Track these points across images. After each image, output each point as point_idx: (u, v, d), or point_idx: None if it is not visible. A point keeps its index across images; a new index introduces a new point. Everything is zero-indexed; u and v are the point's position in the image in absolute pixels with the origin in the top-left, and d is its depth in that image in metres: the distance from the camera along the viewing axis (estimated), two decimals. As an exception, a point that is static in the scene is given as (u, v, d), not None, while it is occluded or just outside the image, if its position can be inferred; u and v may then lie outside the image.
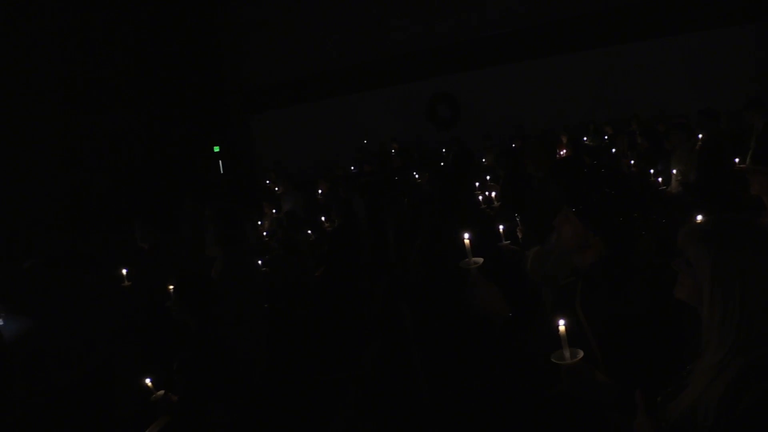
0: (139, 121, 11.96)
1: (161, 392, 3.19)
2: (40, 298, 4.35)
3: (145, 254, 5.38)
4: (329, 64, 14.09)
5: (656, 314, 1.99)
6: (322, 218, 7.59)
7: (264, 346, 4.19)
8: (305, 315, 5.83)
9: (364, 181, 7.94)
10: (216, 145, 14.28)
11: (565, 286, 2.30)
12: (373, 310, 5.62)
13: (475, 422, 3.81)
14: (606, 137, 10.85)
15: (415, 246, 4.76)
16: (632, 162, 7.83)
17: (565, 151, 8.62)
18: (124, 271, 4.70)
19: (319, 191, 9.41)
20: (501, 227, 3.83)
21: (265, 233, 7.54)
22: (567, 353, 1.80)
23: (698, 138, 7.14)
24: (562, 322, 1.80)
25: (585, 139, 10.84)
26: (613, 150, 9.22)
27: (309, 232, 7.24)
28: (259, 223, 7.88)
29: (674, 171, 6.62)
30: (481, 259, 2.20)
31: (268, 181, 11.81)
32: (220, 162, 14.34)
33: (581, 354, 1.80)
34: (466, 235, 2.22)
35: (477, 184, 6.65)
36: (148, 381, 3.18)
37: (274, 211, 8.08)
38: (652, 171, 6.75)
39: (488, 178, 7.71)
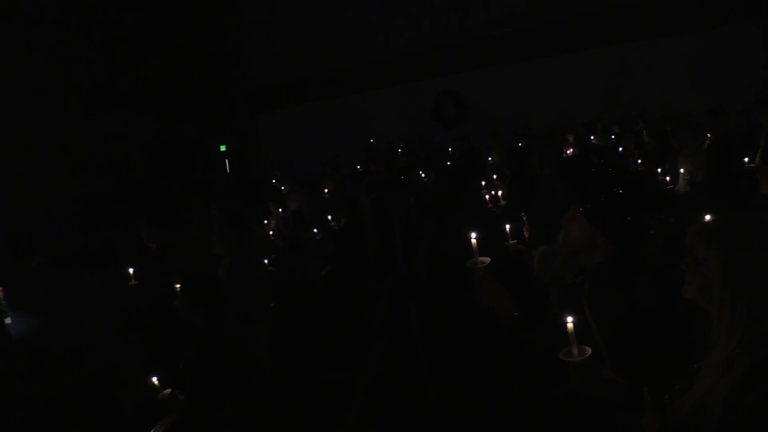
0: (146, 121, 12.00)
1: (168, 391, 3.20)
2: (48, 296, 4.38)
3: (151, 253, 5.40)
4: (335, 64, 14.09)
5: (664, 313, 1.98)
6: (329, 217, 7.60)
7: (270, 345, 4.19)
8: (311, 314, 5.83)
9: (371, 181, 7.94)
10: (222, 145, 14.30)
11: (573, 286, 2.29)
12: (379, 309, 5.61)
13: (481, 422, 3.80)
14: (613, 136, 10.82)
15: (422, 245, 4.76)
16: (639, 161, 7.81)
17: (571, 150, 8.60)
18: (131, 270, 4.71)
19: (326, 190, 9.42)
20: (507, 226, 3.82)
21: (271, 232, 7.55)
22: (575, 350, 1.79)
23: (707, 137, 7.10)
24: (570, 319, 1.79)
25: (592, 137, 10.81)
26: (620, 149, 9.19)
27: (315, 231, 7.24)
28: (266, 222, 7.89)
29: (681, 170, 6.59)
30: (488, 259, 2.20)
31: (274, 181, 11.83)
32: (227, 161, 14.36)
33: (589, 351, 1.79)
34: (473, 235, 2.21)
35: (483, 183, 6.64)
36: (154, 379, 3.19)
37: (280, 210, 8.09)
38: (659, 170, 6.72)
39: (495, 177, 7.70)
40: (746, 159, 5.95)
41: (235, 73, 14.80)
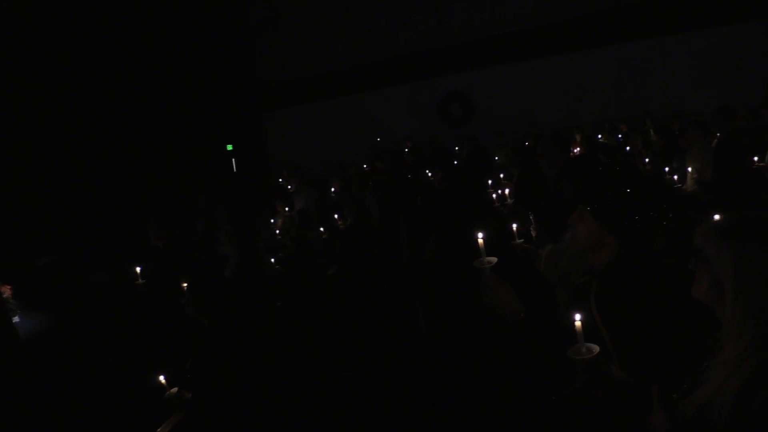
0: (153, 120, 12.03)
1: (175, 389, 3.20)
2: (56, 295, 4.39)
3: (159, 252, 5.41)
4: (342, 63, 14.10)
5: (671, 312, 1.97)
6: (335, 216, 7.60)
7: (277, 344, 4.19)
8: (318, 313, 5.84)
9: (377, 180, 7.94)
10: (229, 144, 14.32)
11: (580, 286, 2.28)
12: (386, 308, 5.61)
13: (488, 421, 3.79)
14: (620, 135, 10.78)
15: (428, 244, 4.74)
16: (647, 160, 7.77)
17: (578, 149, 8.57)
18: (138, 269, 4.72)
19: (332, 189, 9.42)
20: (514, 225, 3.81)
21: (277, 231, 7.56)
22: (583, 349, 1.78)
23: (715, 135, 7.06)
24: (578, 316, 1.78)
25: (599, 136, 10.77)
26: (628, 148, 9.16)
27: (321, 230, 7.25)
28: (272, 221, 7.90)
29: (689, 169, 6.56)
30: (495, 259, 2.19)
31: (280, 179, 11.84)
32: (233, 160, 14.38)
33: (597, 349, 1.78)
34: (480, 235, 2.20)
35: (490, 182, 6.62)
36: (161, 378, 3.20)
37: (286, 209, 8.09)
38: (667, 169, 6.69)
39: (501, 176, 7.68)
40: (756, 158, 5.91)
41: (241, 73, 14.83)
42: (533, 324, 2.11)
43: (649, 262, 2.11)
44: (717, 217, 1.97)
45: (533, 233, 4.14)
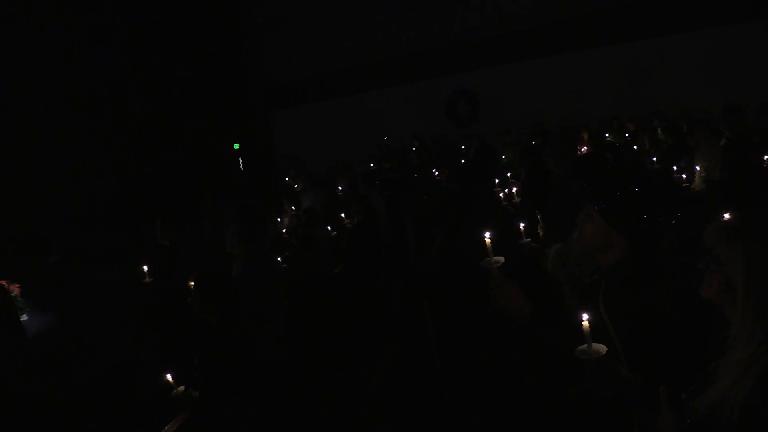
0: (160, 119, 12.06)
1: (182, 388, 3.21)
2: (64, 294, 4.41)
3: (166, 251, 5.42)
4: (348, 61, 14.10)
5: (680, 312, 1.96)
6: (342, 215, 7.60)
7: (283, 343, 4.19)
8: (324, 312, 5.84)
9: (384, 179, 7.93)
10: (236, 142, 14.35)
11: (588, 285, 2.27)
12: (393, 307, 5.60)
13: (495, 422, 3.78)
14: (628, 134, 10.73)
15: (435, 243, 4.74)
16: (654, 159, 7.74)
17: (586, 147, 8.54)
18: (146, 268, 4.73)
19: (339, 188, 9.42)
20: (522, 224, 3.80)
21: (284, 230, 7.56)
22: (591, 349, 1.77)
23: (724, 134, 7.02)
24: (585, 316, 1.77)
25: (607, 135, 10.73)
26: (635, 147, 9.11)
27: (328, 229, 7.25)
28: (279, 220, 7.91)
29: (698, 168, 6.52)
30: (502, 259, 2.18)
31: (287, 178, 11.85)
32: (240, 159, 14.41)
33: (605, 349, 1.77)
34: (487, 235, 2.19)
35: (497, 180, 6.61)
36: (169, 377, 3.21)
37: (293, 208, 8.10)
38: (675, 168, 6.66)
39: (509, 174, 7.66)
40: (765, 157, 5.87)
41: (248, 71, 14.85)
42: (541, 324, 2.10)
43: (657, 262, 2.10)
44: (727, 216, 1.95)
45: (541, 232, 4.12)
